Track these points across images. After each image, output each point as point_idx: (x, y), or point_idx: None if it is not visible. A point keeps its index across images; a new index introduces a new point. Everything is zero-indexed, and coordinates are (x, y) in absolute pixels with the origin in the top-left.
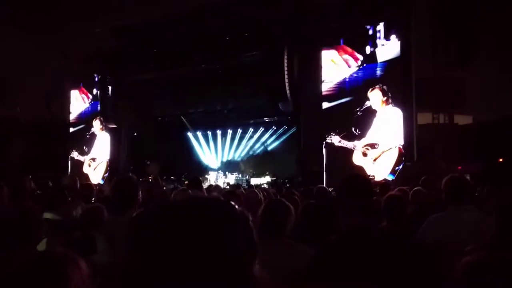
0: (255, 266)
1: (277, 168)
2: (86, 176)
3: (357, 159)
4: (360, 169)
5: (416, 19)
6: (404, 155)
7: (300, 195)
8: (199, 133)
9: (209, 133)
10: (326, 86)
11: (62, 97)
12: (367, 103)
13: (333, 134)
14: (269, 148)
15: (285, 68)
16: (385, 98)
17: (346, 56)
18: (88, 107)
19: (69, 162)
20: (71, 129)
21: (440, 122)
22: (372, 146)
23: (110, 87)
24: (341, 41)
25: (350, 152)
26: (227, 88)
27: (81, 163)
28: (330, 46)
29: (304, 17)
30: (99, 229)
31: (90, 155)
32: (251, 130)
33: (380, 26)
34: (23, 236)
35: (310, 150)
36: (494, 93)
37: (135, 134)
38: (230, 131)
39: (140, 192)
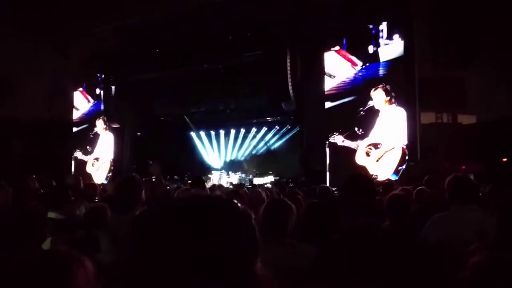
0: (258, 264)
1: (280, 167)
2: (89, 176)
3: (360, 159)
4: (363, 169)
5: (416, 19)
6: (407, 154)
7: (303, 194)
8: (202, 133)
9: (212, 132)
10: (333, 83)
11: (63, 97)
12: (370, 103)
13: (336, 134)
14: (272, 147)
15: (288, 68)
16: (388, 97)
17: (349, 57)
18: (91, 107)
19: (73, 161)
20: (75, 129)
21: (444, 122)
22: (375, 146)
23: (113, 87)
24: (344, 40)
25: (353, 151)
26: (229, 87)
27: (84, 163)
28: (332, 46)
29: (305, 17)
30: (103, 228)
31: (94, 155)
32: (254, 129)
33: (383, 26)
34: (28, 235)
35: (313, 149)
36: (496, 92)
37: (138, 134)
38: (233, 131)
39: (143, 191)
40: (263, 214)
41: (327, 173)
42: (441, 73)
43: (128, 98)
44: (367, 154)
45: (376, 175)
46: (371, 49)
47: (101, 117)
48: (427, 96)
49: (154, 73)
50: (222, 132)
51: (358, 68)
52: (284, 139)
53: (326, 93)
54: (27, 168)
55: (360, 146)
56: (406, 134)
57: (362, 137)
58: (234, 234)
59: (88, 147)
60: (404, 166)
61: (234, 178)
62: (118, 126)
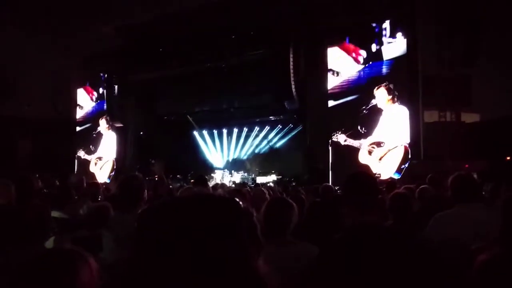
0: (259, 262)
1: (283, 166)
2: (92, 175)
3: (363, 157)
4: (366, 167)
5: (421, 17)
6: (410, 153)
7: (306, 193)
8: (204, 132)
9: (215, 131)
10: (336, 81)
11: (67, 96)
12: (373, 101)
13: (339, 133)
14: (275, 146)
15: (291, 67)
16: (391, 96)
17: (353, 54)
18: (94, 106)
19: (76, 161)
20: (78, 128)
21: (447, 120)
22: (378, 144)
23: (116, 86)
24: (347, 39)
25: (356, 150)
26: (232, 86)
27: (87, 162)
28: (335, 44)
29: (308, 16)
30: (106, 227)
31: (97, 154)
32: (257, 128)
33: (386, 24)
34: (31, 234)
35: (316, 148)
36: (500, 91)
37: (141, 133)
38: (235, 130)
39: (146, 190)
40: (264, 213)
41: (330, 172)
42: (446, 72)
43: (131, 97)
44: (370, 153)
45: (379, 174)
46: (374, 47)
47: (104, 117)
48: (430, 94)
49: (157, 72)
50: (225, 131)
51: (361, 66)
52: (287, 138)
53: (329, 91)
54: (33, 167)
55: (362, 145)
56: (409, 133)
57: (365, 135)
58: (235, 233)
59: (91, 146)
60: (407, 165)
61: (237, 177)
62: (121, 125)
